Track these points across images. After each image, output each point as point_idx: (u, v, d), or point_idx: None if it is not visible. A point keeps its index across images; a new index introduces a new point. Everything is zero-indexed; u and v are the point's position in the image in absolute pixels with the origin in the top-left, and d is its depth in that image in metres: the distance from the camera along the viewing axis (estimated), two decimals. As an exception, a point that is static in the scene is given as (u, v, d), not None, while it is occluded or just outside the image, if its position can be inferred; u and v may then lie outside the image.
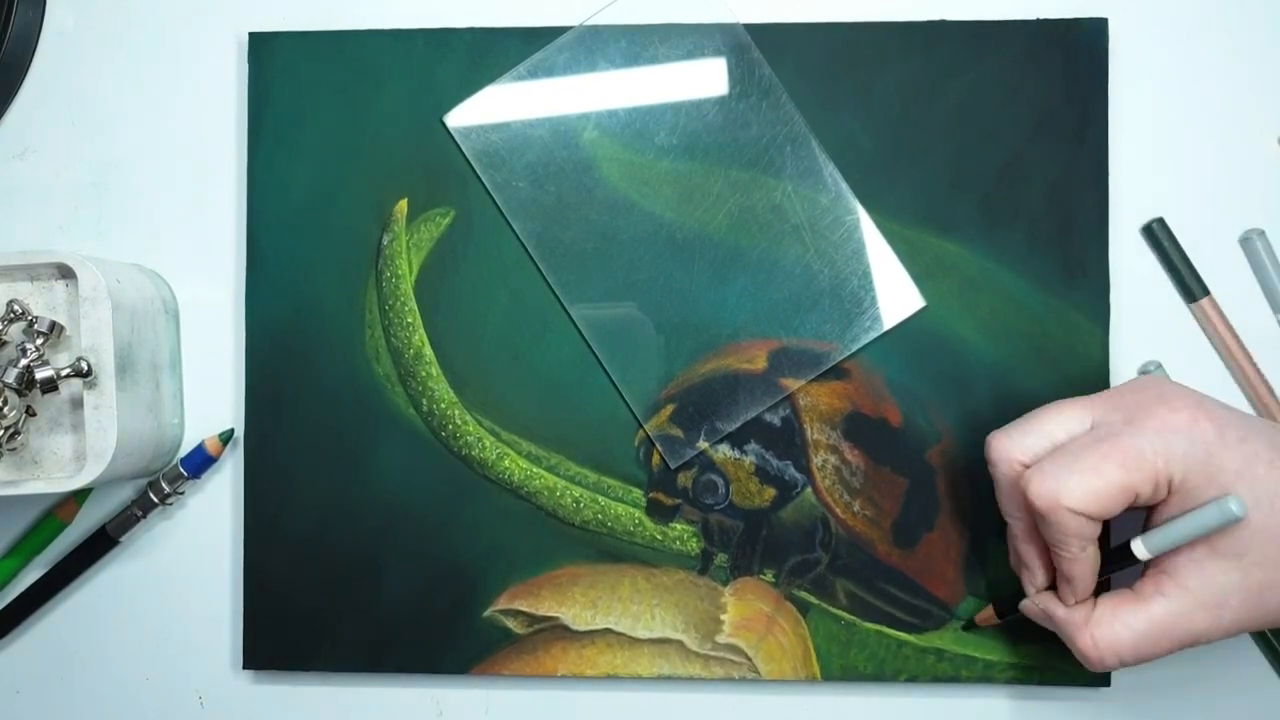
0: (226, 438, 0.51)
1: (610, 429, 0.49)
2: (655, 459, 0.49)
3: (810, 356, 0.49)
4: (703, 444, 0.49)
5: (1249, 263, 0.49)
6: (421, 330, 0.50)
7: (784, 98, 0.49)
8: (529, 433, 0.50)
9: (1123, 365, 0.49)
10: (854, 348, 0.49)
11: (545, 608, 0.49)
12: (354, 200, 0.50)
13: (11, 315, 0.46)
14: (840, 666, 0.49)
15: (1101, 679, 0.48)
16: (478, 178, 0.50)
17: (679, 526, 0.49)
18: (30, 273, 0.47)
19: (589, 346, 0.49)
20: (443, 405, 0.50)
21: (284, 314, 0.50)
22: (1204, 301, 0.49)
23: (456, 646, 0.49)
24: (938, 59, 0.49)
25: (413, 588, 0.50)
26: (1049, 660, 0.48)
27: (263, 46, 0.50)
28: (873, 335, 0.49)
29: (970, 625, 0.48)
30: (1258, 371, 0.49)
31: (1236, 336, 0.49)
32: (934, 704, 0.50)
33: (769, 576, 0.49)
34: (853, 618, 0.49)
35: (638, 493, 0.49)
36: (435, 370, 0.50)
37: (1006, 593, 0.47)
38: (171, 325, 0.51)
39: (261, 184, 0.50)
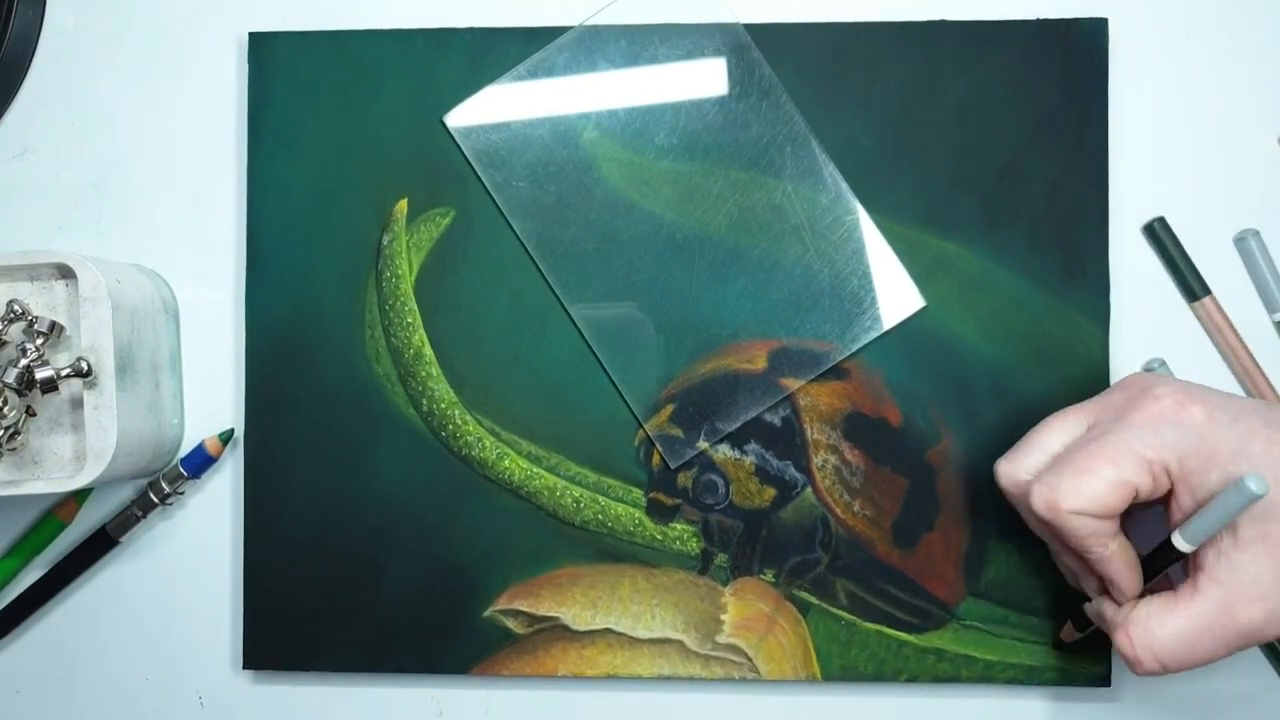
0: (226, 438, 0.50)
1: (610, 429, 0.49)
2: (655, 459, 0.49)
3: (810, 356, 0.49)
4: (703, 444, 0.49)
5: (1243, 263, 0.49)
6: (421, 330, 0.50)
7: (784, 98, 0.49)
8: (529, 433, 0.50)
9: (1123, 365, 0.49)
10: (854, 348, 0.49)
11: (545, 608, 0.49)
12: (354, 200, 0.50)
13: (11, 315, 0.46)
14: (840, 666, 0.49)
15: (1102, 679, 0.48)
16: (478, 178, 0.50)
17: (679, 526, 0.49)
18: (30, 273, 0.47)
19: (589, 346, 0.49)
20: (443, 405, 0.50)
21: (284, 314, 0.50)
22: (1205, 301, 0.49)
23: (456, 646, 0.49)
24: (938, 59, 0.49)
25: (413, 588, 0.50)
26: (1049, 660, 0.48)
27: (263, 46, 0.50)
28: (873, 335, 0.49)
29: (1059, 644, 0.48)
30: (1260, 370, 0.49)
31: (1238, 335, 0.49)
32: (934, 704, 0.50)
33: (769, 576, 0.49)
34: (853, 618, 0.49)
35: (638, 493, 0.49)
36: (435, 370, 0.50)
37: (1081, 605, 0.46)
38: (171, 325, 0.51)
39: (261, 184, 0.50)
